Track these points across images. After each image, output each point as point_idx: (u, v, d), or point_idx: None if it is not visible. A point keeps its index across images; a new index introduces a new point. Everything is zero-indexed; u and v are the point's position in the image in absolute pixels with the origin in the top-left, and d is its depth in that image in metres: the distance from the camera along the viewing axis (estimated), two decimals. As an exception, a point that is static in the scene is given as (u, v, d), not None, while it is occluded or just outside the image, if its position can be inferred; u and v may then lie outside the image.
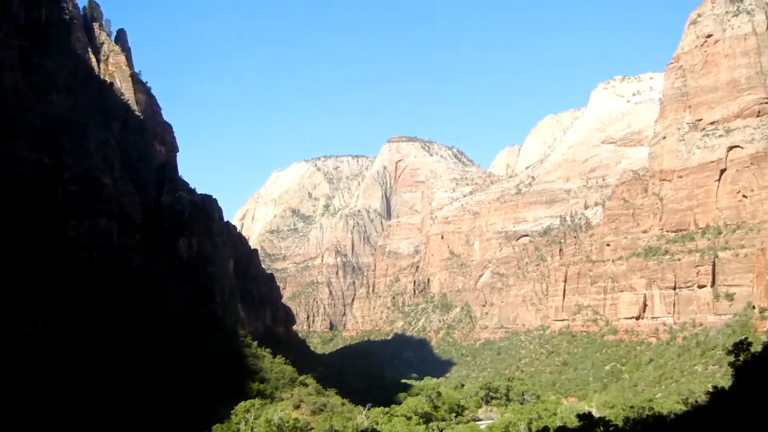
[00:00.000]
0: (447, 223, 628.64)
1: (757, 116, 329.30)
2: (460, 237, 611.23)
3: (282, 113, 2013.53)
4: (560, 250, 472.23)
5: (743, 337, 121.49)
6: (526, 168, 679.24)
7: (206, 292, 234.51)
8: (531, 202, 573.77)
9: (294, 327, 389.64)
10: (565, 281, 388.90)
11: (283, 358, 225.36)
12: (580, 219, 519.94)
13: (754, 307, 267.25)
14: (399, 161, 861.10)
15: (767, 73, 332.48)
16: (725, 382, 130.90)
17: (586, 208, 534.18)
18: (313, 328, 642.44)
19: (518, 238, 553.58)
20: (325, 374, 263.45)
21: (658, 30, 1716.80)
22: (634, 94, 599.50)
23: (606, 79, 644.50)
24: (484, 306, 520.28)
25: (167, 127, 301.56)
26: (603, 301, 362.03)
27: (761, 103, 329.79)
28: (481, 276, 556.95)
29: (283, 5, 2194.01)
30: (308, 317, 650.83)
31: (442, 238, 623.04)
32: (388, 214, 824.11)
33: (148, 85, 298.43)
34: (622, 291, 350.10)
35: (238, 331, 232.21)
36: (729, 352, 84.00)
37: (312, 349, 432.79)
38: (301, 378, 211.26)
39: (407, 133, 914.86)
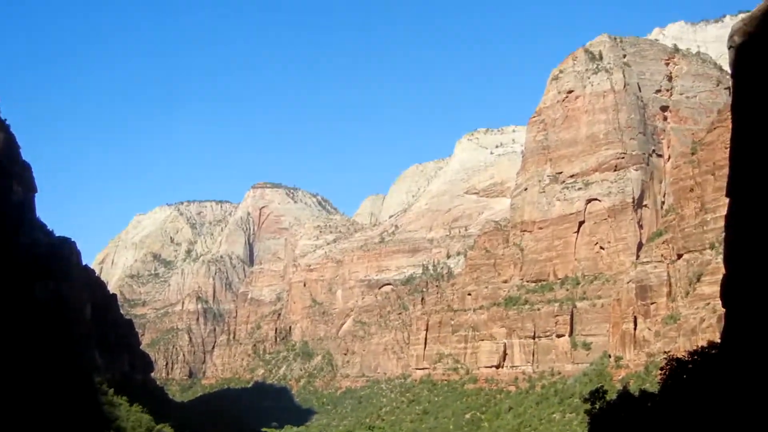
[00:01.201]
0: (310, 271, 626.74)
1: (615, 170, 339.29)
2: (322, 285, 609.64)
3: (145, 156, 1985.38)
4: (422, 298, 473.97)
5: (599, 386, 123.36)
6: (390, 217, 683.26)
7: (62, 337, 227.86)
8: (394, 250, 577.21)
9: (152, 374, 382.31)
10: (427, 330, 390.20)
11: (140, 407, 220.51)
12: (442, 268, 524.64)
13: (610, 356, 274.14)
14: (263, 207, 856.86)
15: (624, 129, 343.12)
16: (582, 429, 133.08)
17: (448, 257, 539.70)
18: (172, 376, 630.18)
19: (381, 287, 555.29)
20: (183, 423, 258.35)
21: (520, 84, 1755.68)
22: (497, 146, 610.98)
23: (470, 131, 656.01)
24: (345, 354, 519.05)
25: (26, 167, 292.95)
26: (464, 350, 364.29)
27: (618, 158, 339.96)
28: (343, 324, 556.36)
29: (150, 49, 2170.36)
30: (167, 364, 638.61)
31: (305, 285, 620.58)
32: (251, 261, 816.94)
33: (7, 123, 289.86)
34: (482, 340, 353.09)
35: (94, 378, 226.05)
36: (585, 400, 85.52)
37: (171, 396, 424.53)
38: (159, 427, 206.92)
39: (272, 180, 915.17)
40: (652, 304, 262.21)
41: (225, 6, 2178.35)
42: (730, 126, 65.27)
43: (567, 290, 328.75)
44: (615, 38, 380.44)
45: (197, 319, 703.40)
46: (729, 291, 59.71)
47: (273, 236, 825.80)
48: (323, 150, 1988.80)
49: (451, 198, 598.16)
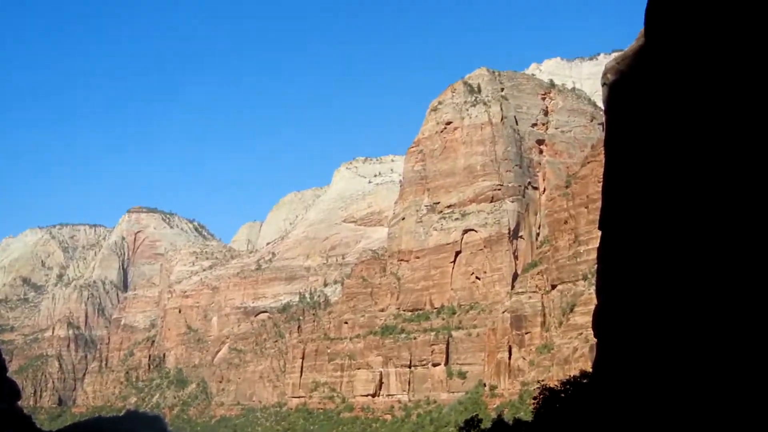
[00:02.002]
0: (185, 297, 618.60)
1: (491, 201, 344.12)
2: (198, 311, 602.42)
3: (15, 177, 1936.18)
4: (299, 327, 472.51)
5: (474, 414, 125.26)
6: (267, 244, 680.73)
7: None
8: (271, 278, 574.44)
9: (20, 402, 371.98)
10: (303, 358, 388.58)
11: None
12: (319, 296, 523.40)
13: (485, 385, 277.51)
14: (138, 232, 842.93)
15: (501, 161, 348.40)
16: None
17: (325, 285, 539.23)
18: (41, 404, 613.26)
19: (257, 314, 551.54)
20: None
21: (400, 115, 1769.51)
22: (375, 176, 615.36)
23: (349, 160, 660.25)
24: (221, 382, 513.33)
25: None
26: (340, 379, 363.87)
27: (495, 189, 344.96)
28: (218, 352, 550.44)
29: (23, 64, 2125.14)
30: (36, 392, 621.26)
31: (180, 312, 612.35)
32: (125, 286, 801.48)
33: None
34: (358, 368, 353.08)
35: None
36: (461, 429, 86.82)
37: (39, 426, 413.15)
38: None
39: (148, 204, 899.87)
40: (526, 333, 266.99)
41: (107, 24, 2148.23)
42: (603, 161, 67.14)
43: (443, 319, 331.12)
44: (493, 72, 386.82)
45: (68, 345, 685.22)
46: (601, 321, 61.21)
47: (148, 261, 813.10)
48: (200, 176, 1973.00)
49: (329, 226, 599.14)
